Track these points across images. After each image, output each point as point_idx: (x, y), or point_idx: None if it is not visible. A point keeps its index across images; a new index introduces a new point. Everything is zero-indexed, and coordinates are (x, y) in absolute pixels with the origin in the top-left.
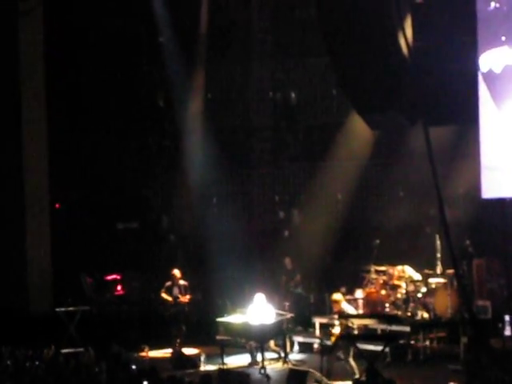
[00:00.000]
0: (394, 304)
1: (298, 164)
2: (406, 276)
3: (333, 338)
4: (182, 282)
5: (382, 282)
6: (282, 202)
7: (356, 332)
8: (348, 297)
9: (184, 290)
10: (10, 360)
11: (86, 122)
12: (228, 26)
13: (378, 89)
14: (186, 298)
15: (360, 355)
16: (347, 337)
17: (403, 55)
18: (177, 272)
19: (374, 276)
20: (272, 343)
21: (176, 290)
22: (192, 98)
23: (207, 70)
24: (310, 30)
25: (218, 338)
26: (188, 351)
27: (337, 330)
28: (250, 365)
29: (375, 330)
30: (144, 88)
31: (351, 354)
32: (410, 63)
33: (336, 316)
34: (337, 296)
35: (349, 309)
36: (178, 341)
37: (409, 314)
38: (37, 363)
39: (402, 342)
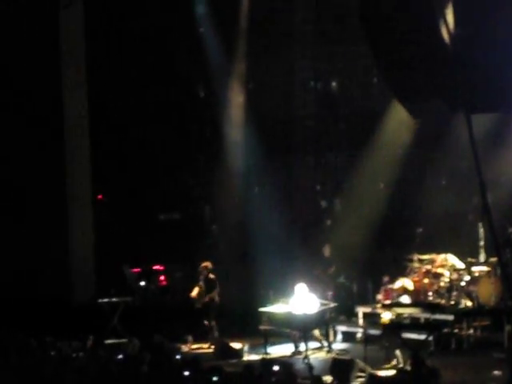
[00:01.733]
0: (437, 292)
1: (339, 153)
2: (449, 264)
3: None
4: (211, 276)
5: (424, 270)
6: (324, 191)
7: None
8: (391, 286)
9: (210, 285)
10: (54, 351)
11: (128, 114)
12: (269, 15)
13: (420, 77)
14: (207, 298)
15: (404, 344)
16: (392, 325)
17: (445, 43)
18: (207, 264)
19: (416, 265)
20: (316, 332)
21: (202, 284)
22: (232, 88)
23: (248, 60)
24: (351, 18)
25: (261, 328)
26: (231, 342)
27: (386, 318)
28: (294, 354)
29: (418, 318)
30: (185, 79)
31: (397, 342)
32: (451, 51)
33: (379, 305)
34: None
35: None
36: (210, 336)
37: (452, 302)
38: (80, 354)
39: (445, 330)
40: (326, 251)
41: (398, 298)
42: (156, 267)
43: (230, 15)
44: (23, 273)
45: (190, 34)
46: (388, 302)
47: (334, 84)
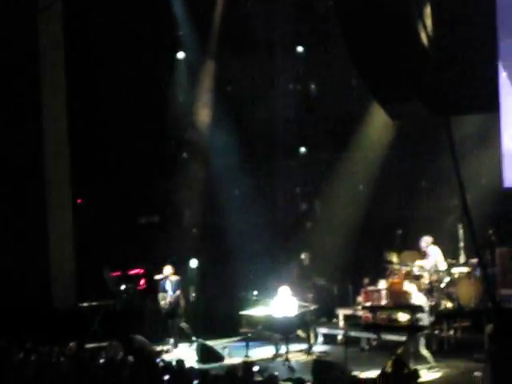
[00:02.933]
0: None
1: (319, 155)
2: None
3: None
4: (173, 278)
5: (404, 272)
6: (305, 193)
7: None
8: (371, 287)
9: (175, 286)
10: (34, 356)
11: (106, 116)
12: (244, 18)
13: (398, 78)
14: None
15: (383, 346)
16: (371, 327)
17: (423, 44)
18: (168, 268)
19: (396, 266)
20: (300, 331)
21: (168, 285)
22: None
23: (225, 62)
24: (329, 20)
25: (241, 330)
26: (212, 344)
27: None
28: (275, 357)
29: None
30: (164, 82)
31: (421, 343)
32: (429, 52)
33: (359, 307)
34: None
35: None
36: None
37: (432, 303)
38: (61, 359)
39: (426, 332)
40: (306, 260)
41: (378, 300)
42: (136, 271)
43: (205, 17)
44: (2, 278)
45: (168, 35)
46: (368, 303)
47: (313, 86)
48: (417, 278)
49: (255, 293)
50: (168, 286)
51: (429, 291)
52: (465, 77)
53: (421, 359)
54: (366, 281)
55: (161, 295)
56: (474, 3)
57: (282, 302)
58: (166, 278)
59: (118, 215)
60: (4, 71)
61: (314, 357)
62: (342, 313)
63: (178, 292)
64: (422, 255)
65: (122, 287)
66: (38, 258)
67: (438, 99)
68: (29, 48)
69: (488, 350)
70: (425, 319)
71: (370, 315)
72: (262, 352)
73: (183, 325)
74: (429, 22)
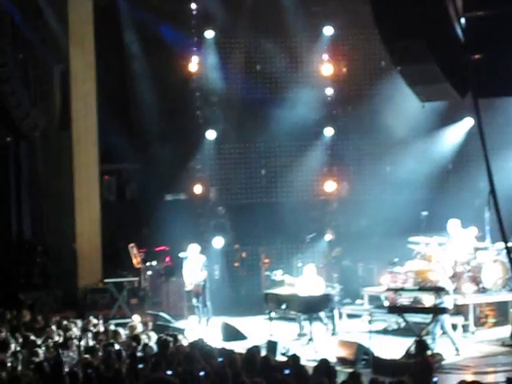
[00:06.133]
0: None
1: (347, 136)
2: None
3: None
4: (199, 257)
5: (430, 254)
6: (331, 174)
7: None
8: (397, 269)
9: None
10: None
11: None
12: None
13: (428, 60)
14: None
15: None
16: (395, 309)
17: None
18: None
19: (422, 249)
20: (321, 314)
21: (194, 263)
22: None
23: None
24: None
25: (266, 309)
26: (236, 323)
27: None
28: (299, 336)
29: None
30: None
31: (448, 326)
32: (459, 34)
33: (384, 288)
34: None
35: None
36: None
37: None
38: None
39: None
40: (329, 236)
41: (404, 281)
42: (161, 248)
43: None
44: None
45: None
46: (393, 285)
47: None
48: (442, 261)
49: (280, 272)
50: (192, 264)
51: (453, 274)
52: (494, 58)
53: (445, 341)
54: (396, 260)
55: (186, 273)
56: None
57: (308, 281)
58: (191, 256)
59: (145, 192)
60: None
61: (338, 337)
62: (366, 293)
63: (203, 271)
64: (449, 238)
65: (148, 264)
66: (65, 233)
67: (467, 81)
68: None
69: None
70: (449, 301)
71: (394, 296)
72: (286, 331)
73: (206, 303)
74: (459, 2)
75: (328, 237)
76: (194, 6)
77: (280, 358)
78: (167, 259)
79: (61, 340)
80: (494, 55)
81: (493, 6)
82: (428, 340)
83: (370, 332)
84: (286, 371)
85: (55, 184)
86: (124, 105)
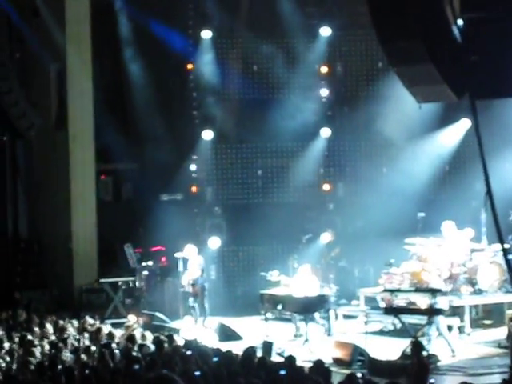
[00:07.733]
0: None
1: (344, 137)
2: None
3: None
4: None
5: (425, 256)
6: (328, 174)
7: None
8: (393, 270)
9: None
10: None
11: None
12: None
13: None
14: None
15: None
16: (391, 310)
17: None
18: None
19: (418, 250)
20: (317, 315)
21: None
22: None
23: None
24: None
25: (262, 310)
26: (232, 323)
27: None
28: (295, 337)
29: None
30: None
31: (444, 327)
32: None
33: (380, 289)
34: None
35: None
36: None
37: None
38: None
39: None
40: (329, 236)
41: (401, 282)
42: (157, 248)
43: None
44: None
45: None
46: (389, 286)
47: (339, 68)
48: (437, 263)
49: (276, 272)
50: (189, 264)
51: (449, 276)
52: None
53: (440, 342)
54: (392, 261)
55: (182, 273)
56: None
57: (304, 282)
58: (188, 256)
59: (140, 192)
60: None
61: (334, 337)
62: (362, 294)
63: (200, 271)
64: (444, 240)
65: (143, 264)
66: (60, 233)
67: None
68: None
69: (508, 335)
70: (445, 303)
71: (390, 297)
72: (282, 332)
73: (203, 304)
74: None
75: (327, 237)
76: (191, 6)
77: (276, 358)
78: (163, 259)
79: (57, 340)
80: (491, 56)
81: (490, 7)
82: (424, 341)
83: (366, 333)
84: (282, 372)
85: (51, 183)
86: (120, 104)
